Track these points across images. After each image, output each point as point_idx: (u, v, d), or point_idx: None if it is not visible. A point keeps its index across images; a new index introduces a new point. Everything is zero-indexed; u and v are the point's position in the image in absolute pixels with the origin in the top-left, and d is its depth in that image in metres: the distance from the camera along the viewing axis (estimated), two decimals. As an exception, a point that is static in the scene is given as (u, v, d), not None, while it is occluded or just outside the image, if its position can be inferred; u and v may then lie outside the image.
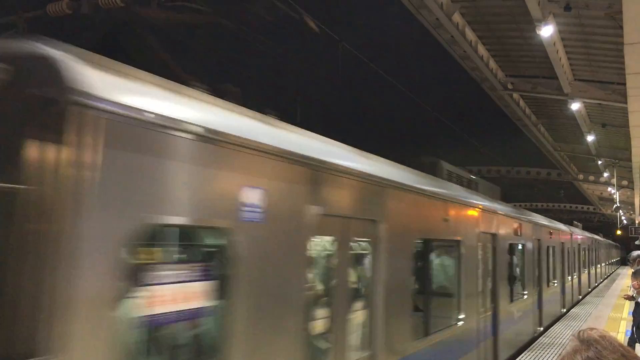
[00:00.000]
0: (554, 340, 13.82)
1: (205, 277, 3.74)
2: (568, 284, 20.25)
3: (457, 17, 13.46)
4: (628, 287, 15.69)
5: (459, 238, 8.60)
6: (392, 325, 6.13)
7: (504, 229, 11.35)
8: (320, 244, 5.21)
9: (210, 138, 3.63)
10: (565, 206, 49.43)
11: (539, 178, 35.48)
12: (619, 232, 48.96)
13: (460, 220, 8.79)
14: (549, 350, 12.48)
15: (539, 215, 17.65)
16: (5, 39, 3.23)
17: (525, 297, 13.11)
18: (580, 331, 1.74)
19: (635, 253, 14.01)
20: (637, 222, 40.81)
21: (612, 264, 50.95)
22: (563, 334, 14.62)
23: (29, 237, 2.74)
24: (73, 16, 4.67)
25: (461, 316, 8.50)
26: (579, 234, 24.96)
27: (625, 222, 50.03)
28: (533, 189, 40.93)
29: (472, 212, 9.44)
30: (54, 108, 2.78)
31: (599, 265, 34.50)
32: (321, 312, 5.09)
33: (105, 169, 2.91)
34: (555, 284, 17.64)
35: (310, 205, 4.66)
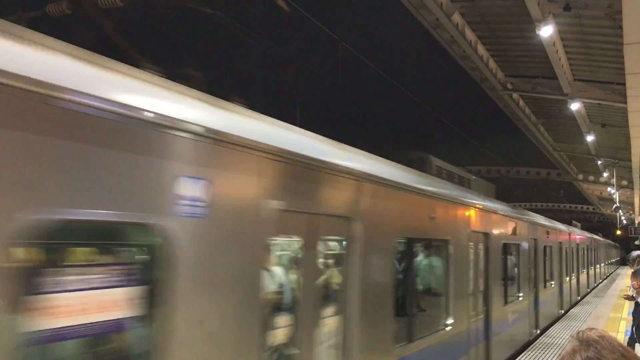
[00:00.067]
0: (553, 340, 13.83)
1: (127, 282, 3.17)
2: (566, 285, 20.00)
3: (456, 17, 13.48)
4: (628, 287, 15.70)
5: (447, 237, 8.12)
6: (370, 332, 5.64)
7: (498, 228, 10.98)
8: (282, 244, 4.79)
9: (128, 116, 3.05)
10: (565, 206, 49.47)
11: (538, 178, 35.52)
12: (618, 232, 48.97)
13: (448, 219, 8.37)
14: (548, 350, 12.49)
15: (536, 214, 17.39)
16: None
17: (521, 298, 12.75)
18: (579, 331, 1.75)
19: (635, 253, 14.00)
20: (636, 222, 40.83)
21: (611, 264, 50.90)
22: (562, 335, 14.63)
23: None
24: (73, 16, 4.68)
25: (450, 320, 8.02)
26: (578, 234, 24.76)
27: (624, 222, 50.06)
28: (533, 189, 40.98)
29: (463, 210, 8.98)
30: None
31: (598, 266, 34.40)
32: (282, 321, 4.60)
33: None
34: (553, 285, 17.35)
35: (268, 200, 4.13)
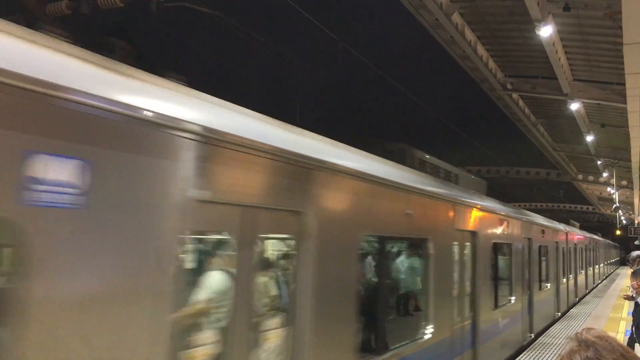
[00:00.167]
0: (552, 340, 13.83)
1: None
2: (563, 286, 19.43)
3: (456, 17, 13.47)
4: (627, 287, 15.70)
5: (426, 236, 7.35)
6: (326, 347, 4.88)
7: (488, 227, 10.29)
8: (204, 241, 4.07)
9: None
10: (564, 206, 49.46)
11: (538, 178, 35.50)
12: (618, 232, 48.97)
13: (429, 215, 7.62)
14: (548, 350, 12.49)
15: (531, 212, 16.88)
16: None
17: (513, 302, 12.06)
18: (578, 332, 1.75)
19: (635, 253, 13.99)
20: (636, 222, 40.84)
21: (611, 264, 50.85)
22: (561, 335, 14.63)
23: None
24: (72, 16, 4.68)
25: (429, 328, 7.24)
26: (575, 233, 24.43)
27: (624, 222, 50.05)
28: (532, 189, 41.01)
29: (446, 207, 8.21)
30: None
31: (597, 266, 34.30)
32: (204, 339, 3.84)
33: None
34: (548, 287, 16.78)
35: (182, 188, 3.36)
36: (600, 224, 60.53)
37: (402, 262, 7.75)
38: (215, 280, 4.09)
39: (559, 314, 18.34)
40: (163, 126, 3.26)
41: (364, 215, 5.76)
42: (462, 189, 9.87)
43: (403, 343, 6.69)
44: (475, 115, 30.53)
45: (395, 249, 7.47)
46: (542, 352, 12.34)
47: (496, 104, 20.02)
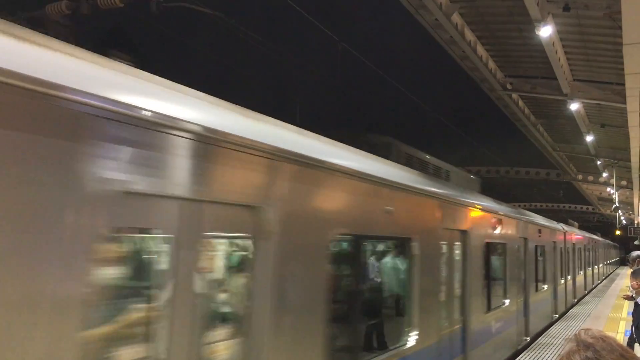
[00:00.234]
0: (553, 340, 13.83)
1: None
2: (561, 287, 19.03)
3: (456, 18, 13.48)
4: (627, 287, 15.71)
5: (410, 235, 6.85)
6: (287, 356, 4.35)
7: (480, 226, 9.80)
8: (132, 240, 3.39)
9: None
10: (564, 206, 49.50)
11: (538, 178, 35.52)
12: (618, 232, 49.00)
13: (412, 213, 7.11)
14: (547, 350, 12.50)
15: (527, 212, 16.55)
16: None
17: (507, 304, 11.51)
18: (578, 332, 1.75)
19: (635, 253, 13.97)
20: (636, 222, 40.85)
21: (610, 264, 50.84)
22: (561, 335, 14.64)
23: None
24: (72, 16, 4.68)
25: (412, 335, 6.75)
26: (574, 233, 24.17)
27: (624, 222, 50.10)
28: (532, 189, 41.03)
29: (433, 204, 7.72)
30: None
31: (596, 266, 34.24)
32: (130, 354, 3.18)
33: None
34: (545, 288, 16.34)
35: (105, 178, 2.82)
36: (600, 224, 60.60)
37: (382, 264, 7.21)
38: (144, 284, 3.42)
39: (557, 315, 18.11)
40: (83, 105, 2.71)
41: (336, 212, 5.24)
42: (452, 186, 9.45)
43: (382, 352, 6.18)
44: (475, 116, 30.60)
45: (373, 250, 6.92)
46: (542, 352, 12.35)
47: (496, 104, 20.04)
